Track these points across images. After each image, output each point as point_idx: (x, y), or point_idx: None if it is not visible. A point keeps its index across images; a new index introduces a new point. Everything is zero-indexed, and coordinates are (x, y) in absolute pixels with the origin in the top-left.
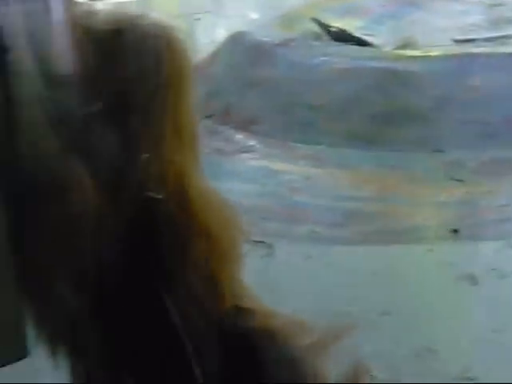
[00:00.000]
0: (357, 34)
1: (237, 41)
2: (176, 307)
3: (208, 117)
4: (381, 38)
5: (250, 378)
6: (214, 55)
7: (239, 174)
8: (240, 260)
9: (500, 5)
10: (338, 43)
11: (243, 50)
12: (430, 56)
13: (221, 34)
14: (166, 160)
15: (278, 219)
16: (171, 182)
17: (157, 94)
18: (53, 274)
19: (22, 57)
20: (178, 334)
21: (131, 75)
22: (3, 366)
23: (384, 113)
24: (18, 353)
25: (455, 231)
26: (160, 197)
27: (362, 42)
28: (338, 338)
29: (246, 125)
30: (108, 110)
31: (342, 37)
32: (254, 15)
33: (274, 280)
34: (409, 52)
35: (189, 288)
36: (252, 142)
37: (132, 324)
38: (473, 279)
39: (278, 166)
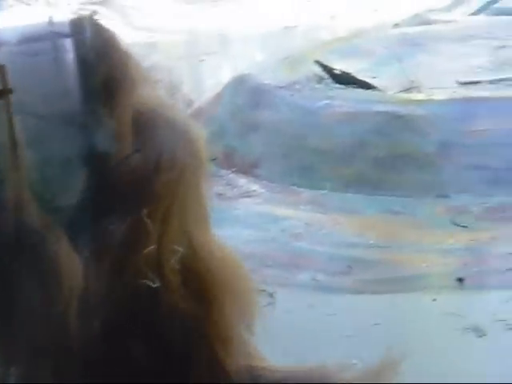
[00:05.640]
0: (360, 76)
1: (240, 83)
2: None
3: (211, 160)
4: (384, 80)
5: None
6: (217, 97)
7: (240, 219)
8: (252, 320)
9: (505, 47)
10: (341, 86)
11: (246, 93)
12: (434, 99)
13: (225, 75)
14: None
15: (279, 266)
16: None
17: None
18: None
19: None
20: None
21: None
22: None
23: (388, 157)
24: None
25: (460, 280)
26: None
27: (365, 85)
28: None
29: (249, 168)
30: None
31: (346, 79)
32: (260, 57)
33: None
34: (413, 95)
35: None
36: (254, 187)
37: None
38: (479, 330)
39: (280, 211)
